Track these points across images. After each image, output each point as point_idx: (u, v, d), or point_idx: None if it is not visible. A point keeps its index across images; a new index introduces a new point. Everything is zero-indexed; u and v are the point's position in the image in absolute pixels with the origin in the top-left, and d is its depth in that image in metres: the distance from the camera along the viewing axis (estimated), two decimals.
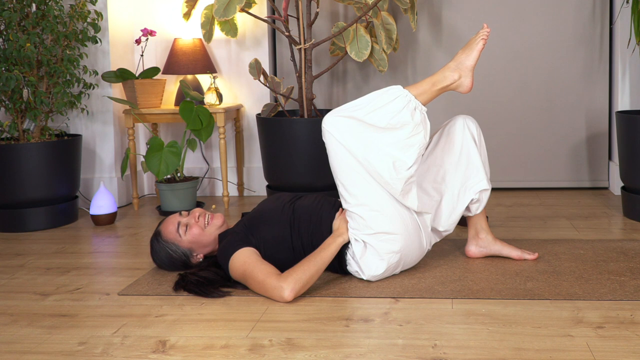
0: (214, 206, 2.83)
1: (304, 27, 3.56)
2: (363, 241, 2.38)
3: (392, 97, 2.34)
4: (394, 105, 2.33)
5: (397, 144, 2.32)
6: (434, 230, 2.58)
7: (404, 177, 2.32)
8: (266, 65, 4.02)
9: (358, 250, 2.39)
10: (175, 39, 3.93)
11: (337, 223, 2.45)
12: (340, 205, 2.54)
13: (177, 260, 2.56)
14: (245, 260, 2.35)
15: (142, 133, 4.15)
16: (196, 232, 2.53)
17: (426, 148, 2.52)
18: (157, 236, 2.58)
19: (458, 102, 4.05)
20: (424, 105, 2.38)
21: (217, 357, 1.88)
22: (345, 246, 2.43)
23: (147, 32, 3.83)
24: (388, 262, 2.39)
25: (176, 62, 3.87)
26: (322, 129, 2.38)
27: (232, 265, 2.37)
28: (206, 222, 2.56)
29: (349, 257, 2.43)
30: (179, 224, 2.54)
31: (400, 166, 2.32)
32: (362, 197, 2.36)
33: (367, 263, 2.39)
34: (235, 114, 4.05)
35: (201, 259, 2.57)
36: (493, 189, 4.03)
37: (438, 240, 2.62)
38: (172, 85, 4.14)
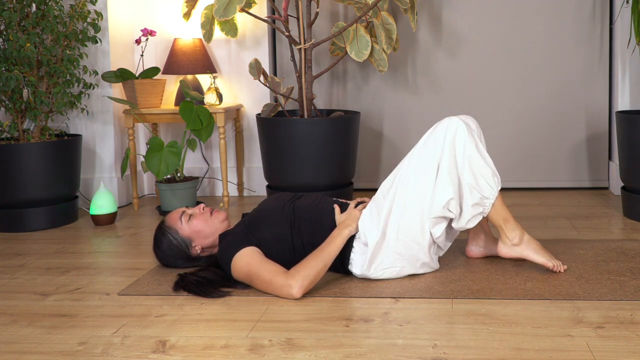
0: (221, 204, 2.84)
1: (304, 27, 3.56)
2: (383, 232, 2.37)
3: (489, 181, 2.39)
4: (483, 184, 2.39)
5: (463, 193, 2.38)
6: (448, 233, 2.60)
7: (442, 213, 2.38)
8: (266, 65, 4.02)
9: (373, 241, 2.37)
10: (175, 39, 3.93)
11: (342, 217, 2.45)
12: (340, 204, 2.55)
13: (176, 249, 2.57)
14: (249, 261, 2.35)
15: (142, 133, 4.15)
16: (197, 222, 2.56)
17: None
18: (161, 223, 2.62)
19: (458, 102, 4.05)
20: (486, 215, 2.43)
21: (217, 357, 1.88)
22: (351, 243, 2.43)
23: (147, 32, 3.83)
24: (392, 263, 2.41)
25: (176, 62, 3.87)
26: (447, 122, 2.39)
27: (235, 265, 2.37)
28: (210, 214, 2.59)
29: (354, 251, 2.42)
30: (183, 212, 2.59)
31: (450, 206, 2.38)
32: (419, 194, 2.38)
33: (374, 258, 2.38)
34: (235, 114, 4.05)
35: (199, 251, 2.58)
36: None
37: (450, 244, 2.63)
38: (172, 85, 4.14)
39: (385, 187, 2.45)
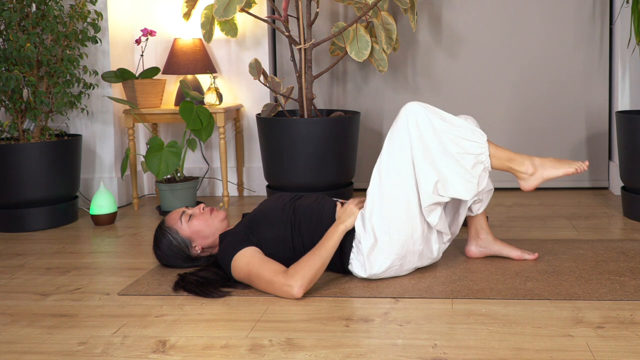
0: (221, 204, 2.84)
1: (304, 27, 3.56)
2: (374, 236, 2.38)
3: (472, 137, 2.36)
4: (469, 145, 2.36)
5: (450, 170, 2.35)
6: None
7: (434, 199, 2.35)
8: (266, 65, 4.02)
9: (367, 245, 2.38)
10: (175, 39, 3.93)
11: (339, 213, 2.46)
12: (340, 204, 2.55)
13: (176, 249, 2.57)
14: (250, 261, 2.35)
15: (142, 133, 4.15)
16: (197, 222, 2.56)
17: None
18: (161, 224, 2.62)
19: (458, 102, 4.05)
20: (489, 167, 2.40)
21: (217, 357, 1.88)
22: (350, 243, 2.43)
23: (147, 32, 3.83)
24: (391, 263, 2.40)
25: (176, 62, 3.87)
26: (404, 110, 2.38)
27: (235, 265, 2.37)
28: (210, 214, 2.59)
29: (353, 252, 2.43)
30: (183, 212, 2.59)
31: (440, 189, 2.35)
32: (397, 188, 2.37)
33: (372, 260, 2.38)
34: (235, 114, 4.05)
35: (199, 251, 2.58)
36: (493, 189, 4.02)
37: (448, 244, 2.62)
38: (172, 85, 4.14)
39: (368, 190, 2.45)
